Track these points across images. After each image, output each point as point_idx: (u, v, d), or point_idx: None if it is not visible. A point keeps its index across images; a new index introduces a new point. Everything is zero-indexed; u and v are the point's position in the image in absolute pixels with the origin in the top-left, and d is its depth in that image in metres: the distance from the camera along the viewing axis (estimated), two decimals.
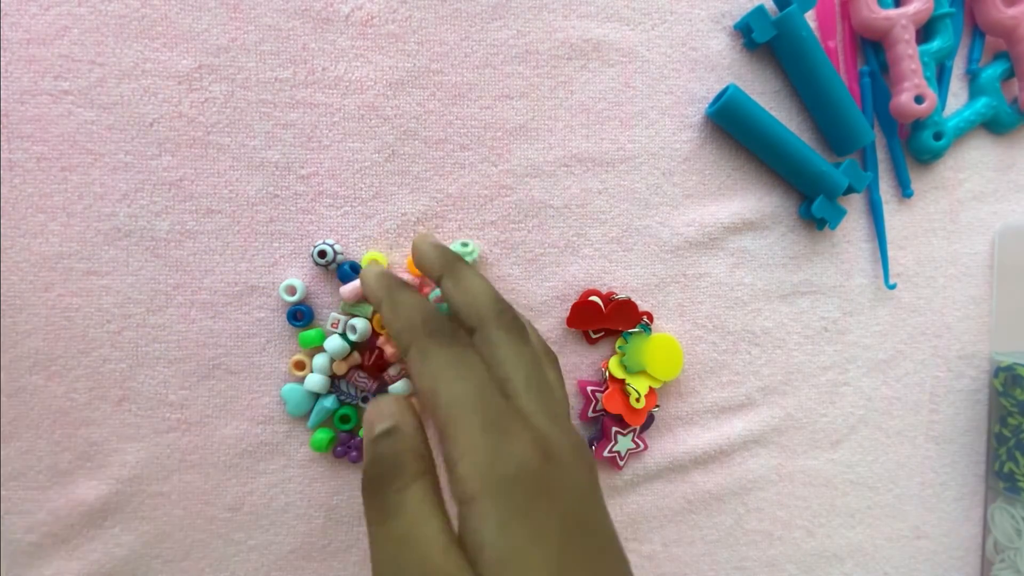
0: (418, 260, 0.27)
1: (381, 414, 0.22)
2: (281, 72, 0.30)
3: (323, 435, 0.30)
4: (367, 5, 0.30)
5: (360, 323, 0.29)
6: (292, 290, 0.29)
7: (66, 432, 0.29)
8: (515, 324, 0.24)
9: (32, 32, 0.28)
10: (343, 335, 0.29)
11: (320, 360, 0.29)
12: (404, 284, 0.26)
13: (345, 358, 0.30)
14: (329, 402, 0.30)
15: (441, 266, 0.26)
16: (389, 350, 0.30)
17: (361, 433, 0.30)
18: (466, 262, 0.27)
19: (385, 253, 0.31)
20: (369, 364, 0.30)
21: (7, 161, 0.28)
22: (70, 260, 0.29)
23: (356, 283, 0.29)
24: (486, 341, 0.23)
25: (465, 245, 0.30)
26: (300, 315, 0.30)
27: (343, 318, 0.30)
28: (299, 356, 0.30)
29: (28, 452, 0.29)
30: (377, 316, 0.30)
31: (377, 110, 0.30)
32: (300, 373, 0.30)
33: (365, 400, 0.30)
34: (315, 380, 0.29)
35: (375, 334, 0.30)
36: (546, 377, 0.24)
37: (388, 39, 0.30)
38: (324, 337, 0.30)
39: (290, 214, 0.30)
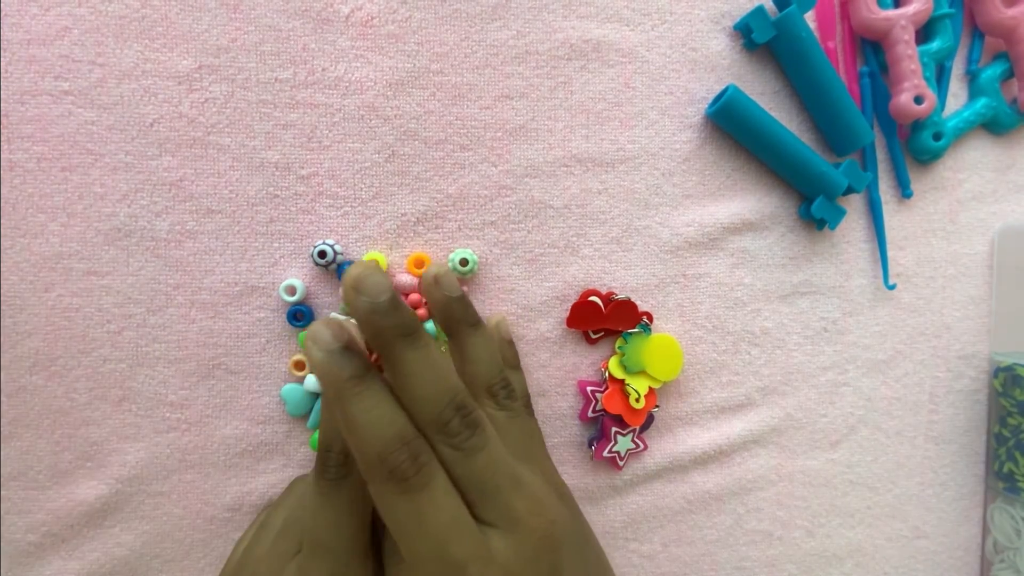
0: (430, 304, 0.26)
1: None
2: (281, 72, 0.30)
3: None
4: (367, 5, 0.30)
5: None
6: (292, 290, 0.29)
7: (66, 432, 0.29)
8: (462, 433, 0.21)
9: (32, 32, 0.28)
10: None
11: None
12: (362, 377, 0.20)
13: None
14: None
15: (445, 326, 0.26)
16: None
17: None
18: (469, 325, 0.25)
19: (385, 253, 0.31)
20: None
21: (7, 161, 0.28)
22: (70, 260, 0.29)
23: None
24: (438, 454, 0.22)
25: (465, 264, 0.30)
26: (300, 315, 0.30)
27: (343, 318, 0.30)
28: (299, 356, 0.30)
29: (28, 452, 0.29)
30: None
31: (377, 110, 0.30)
32: (300, 373, 0.30)
33: None
34: (315, 380, 0.29)
35: None
36: (506, 465, 0.22)
37: (388, 39, 0.30)
38: None
39: (290, 214, 0.30)
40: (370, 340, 0.21)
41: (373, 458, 0.20)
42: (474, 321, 0.26)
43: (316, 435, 0.30)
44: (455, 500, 0.21)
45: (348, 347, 0.20)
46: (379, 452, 0.20)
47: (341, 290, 0.24)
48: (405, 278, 0.30)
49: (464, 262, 0.30)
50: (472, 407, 0.22)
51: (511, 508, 0.22)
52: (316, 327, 0.21)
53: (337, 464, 0.23)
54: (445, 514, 0.20)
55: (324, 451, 0.23)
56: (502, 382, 0.26)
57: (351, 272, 0.20)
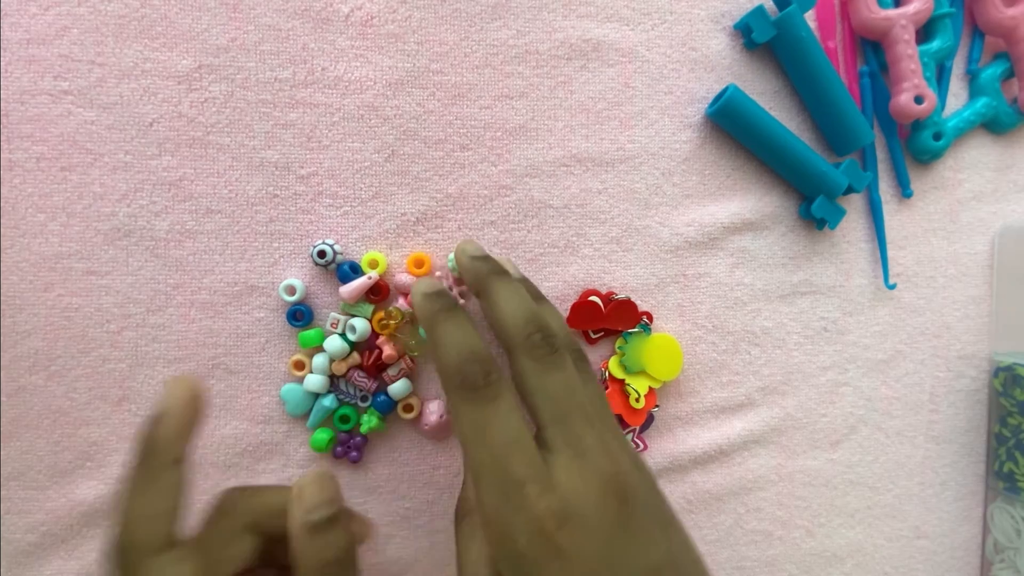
0: (461, 273, 0.27)
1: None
2: (281, 72, 0.30)
3: (323, 435, 0.30)
4: (367, 5, 0.30)
5: (360, 323, 0.29)
6: (292, 290, 0.29)
7: (66, 432, 0.29)
8: (543, 348, 0.23)
9: (32, 32, 0.28)
10: (342, 335, 0.29)
11: (319, 360, 0.29)
12: (450, 309, 0.23)
13: (344, 358, 0.30)
14: (328, 401, 0.30)
15: (474, 283, 0.26)
16: (388, 351, 0.30)
17: (364, 429, 0.30)
18: (502, 274, 0.25)
19: (385, 253, 0.31)
20: (369, 364, 0.30)
21: (7, 161, 0.28)
22: (70, 260, 0.29)
23: (355, 283, 0.29)
24: (515, 371, 0.23)
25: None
26: (300, 315, 0.30)
27: (343, 318, 0.30)
28: (299, 356, 0.30)
29: (28, 452, 0.29)
30: (377, 316, 0.30)
31: (377, 110, 0.30)
32: (299, 373, 0.30)
33: (364, 399, 0.30)
34: (314, 380, 0.29)
35: (375, 334, 0.30)
36: (580, 400, 0.22)
37: (388, 39, 0.30)
38: (324, 337, 0.30)
39: (290, 214, 0.30)
40: (471, 282, 0.26)
41: (451, 369, 0.22)
42: (498, 271, 0.26)
43: (316, 434, 0.30)
44: (520, 420, 0.21)
45: (440, 292, 0.24)
46: (456, 363, 0.22)
47: (453, 255, 0.28)
48: (405, 277, 0.30)
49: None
50: (554, 334, 0.23)
51: (580, 438, 0.21)
52: (419, 280, 0.25)
53: (485, 373, 0.22)
54: (509, 429, 0.21)
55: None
56: (539, 330, 0.23)
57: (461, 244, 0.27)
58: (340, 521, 0.22)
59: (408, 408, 0.31)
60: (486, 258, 0.26)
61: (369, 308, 0.30)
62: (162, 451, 0.21)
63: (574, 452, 0.21)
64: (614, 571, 0.19)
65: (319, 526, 0.21)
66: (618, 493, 0.21)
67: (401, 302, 0.30)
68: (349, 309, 0.30)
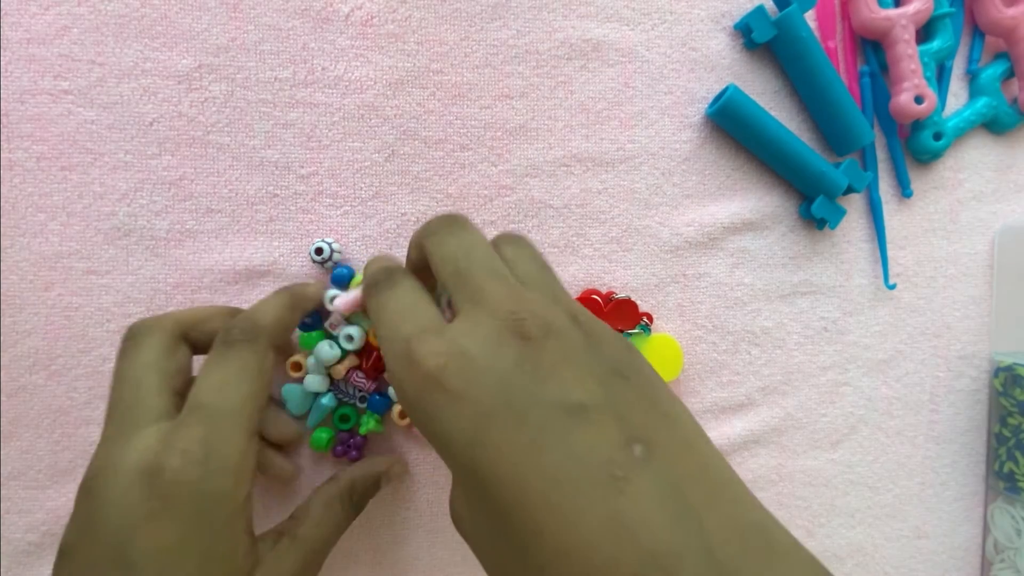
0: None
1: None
2: (281, 72, 0.30)
3: (322, 434, 0.30)
4: (367, 5, 0.30)
5: (356, 332, 0.29)
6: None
7: (66, 432, 0.29)
8: (445, 224, 0.23)
9: (32, 32, 0.28)
10: (338, 342, 0.29)
11: (312, 362, 0.29)
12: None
13: (341, 360, 0.29)
14: (327, 400, 0.30)
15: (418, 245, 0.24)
16: None
17: (362, 430, 0.30)
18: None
19: (385, 254, 0.31)
20: (368, 367, 0.30)
21: (7, 161, 0.28)
22: (70, 259, 0.29)
23: (349, 296, 0.29)
24: (428, 260, 0.23)
25: None
26: (309, 321, 0.30)
27: (340, 324, 0.30)
28: (297, 357, 0.30)
29: (28, 452, 0.29)
30: (372, 329, 0.30)
31: (377, 110, 0.30)
32: (297, 374, 0.30)
33: (363, 400, 0.30)
34: (314, 380, 0.29)
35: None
36: (481, 256, 0.21)
37: (388, 39, 0.30)
38: (324, 337, 0.30)
39: (290, 213, 0.30)
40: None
41: (364, 285, 0.23)
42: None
43: (316, 434, 0.30)
44: (416, 294, 0.21)
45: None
46: (367, 278, 0.23)
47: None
48: None
49: None
50: (461, 219, 0.23)
51: (479, 289, 0.20)
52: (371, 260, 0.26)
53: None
54: (404, 301, 0.21)
55: (231, 320, 0.24)
56: (439, 218, 0.24)
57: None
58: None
59: (404, 414, 0.30)
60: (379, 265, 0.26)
61: (366, 319, 0.30)
62: (261, 334, 0.24)
63: (472, 303, 0.20)
64: (515, 409, 0.17)
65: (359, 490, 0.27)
66: (519, 332, 0.18)
67: None
68: (348, 316, 0.30)
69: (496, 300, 0.19)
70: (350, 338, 0.29)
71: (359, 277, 0.30)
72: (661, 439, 0.17)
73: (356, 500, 0.28)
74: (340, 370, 0.29)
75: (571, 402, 0.17)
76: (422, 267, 0.24)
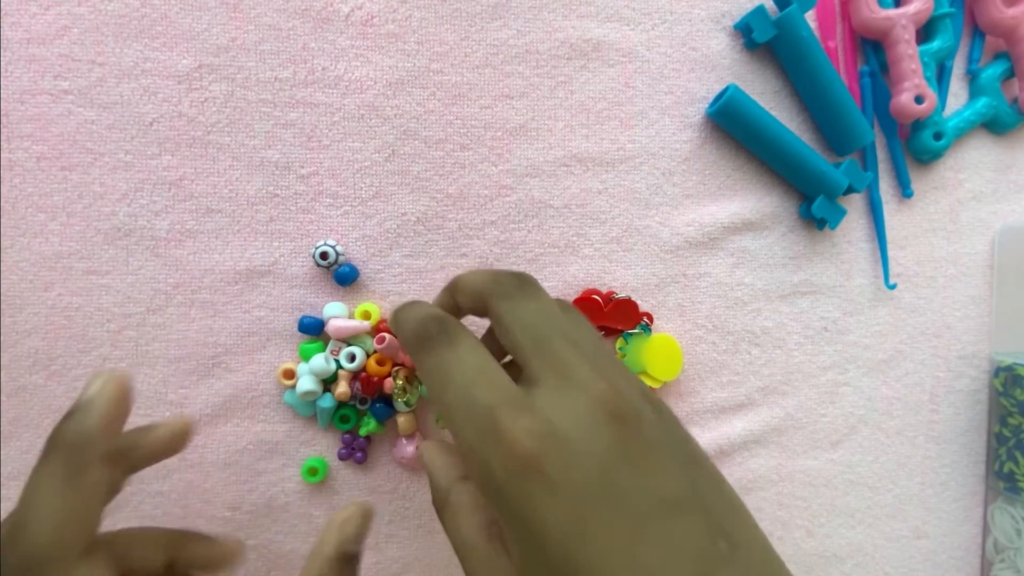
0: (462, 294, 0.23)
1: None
2: (281, 72, 0.30)
3: (315, 463, 0.30)
4: (367, 5, 0.30)
5: (359, 353, 0.29)
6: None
7: None
8: (512, 282, 0.21)
9: (32, 32, 0.28)
10: (337, 361, 0.29)
11: (303, 368, 0.29)
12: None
13: (335, 380, 0.30)
14: (324, 401, 0.30)
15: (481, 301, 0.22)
16: (389, 384, 0.30)
17: (363, 432, 0.30)
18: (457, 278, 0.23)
19: (385, 254, 0.31)
20: (368, 388, 0.30)
21: (7, 161, 0.28)
22: (70, 260, 0.29)
23: (340, 323, 0.29)
24: (493, 322, 0.21)
25: None
26: (311, 326, 0.30)
27: (343, 346, 0.30)
28: (288, 365, 0.30)
29: (28, 452, 0.29)
30: (375, 356, 0.30)
31: (377, 110, 0.30)
32: (288, 383, 0.30)
33: (363, 403, 0.30)
34: (306, 382, 0.29)
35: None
36: (561, 326, 0.20)
37: (388, 39, 0.30)
38: (323, 349, 0.30)
39: (290, 213, 0.30)
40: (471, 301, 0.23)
41: (409, 334, 0.21)
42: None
43: (308, 463, 0.30)
44: (485, 355, 0.19)
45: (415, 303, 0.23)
46: (412, 327, 0.21)
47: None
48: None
49: None
50: (524, 275, 0.22)
51: (563, 361, 0.19)
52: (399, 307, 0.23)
53: (440, 322, 0.21)
54: (472, 362, 0.19)
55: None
56: (508, 273, 0.22)
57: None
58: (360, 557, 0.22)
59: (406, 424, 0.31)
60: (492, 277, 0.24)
61: (369, 341, 0.30)
62: (87, 445, 0.19)
63: (558, 375, 0.18)
64: (615, 499, 0.16)
65: (353, 558, 0.22)
66: (614, 414, 0.17)
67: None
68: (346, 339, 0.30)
69: (585, 376, 0.18)
70: (352, 357, 0.29)
71: (363, 307, 0.30)
72: (738, 534, 0.17)
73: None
74: (344, 392, 0.29)
75: (667, 495, 0.17)
76: (454, 313, 0.23)
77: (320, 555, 0.21)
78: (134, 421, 0.30)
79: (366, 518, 0.22)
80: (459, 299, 0.23)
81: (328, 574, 0.21)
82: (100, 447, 0.19)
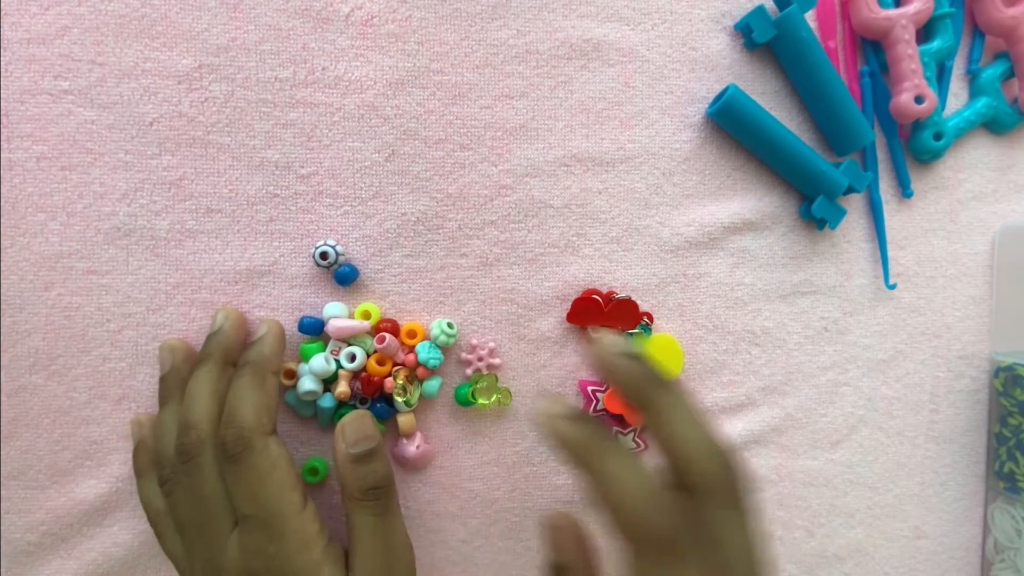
0: (611, 378, 0.23)
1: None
2: (281, 72, 0.30)
3: (314, 463, 0.30)
4: (367, 5, 0.30)
5: (359, 353, 0.29)
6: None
7: (66, 431, 0.29)
8: (732, 490, 0.22)
9: (32, 32, 0.28)
10: (337, 361, 0.29)
11: (304, 368, 0.29)
12: (608, 437, 0.23)
13: (336, 381, 0.29)
14: (324, 401, 0.30)
15: (633, 393, 0.23)
16: (389, 383, 0.30)
17: None
18: (666, 385, 0.23)
19: (385, 254, 0.31)
20: (368, 388, 0.30)
21: (7, 161, 0.28)
22: (70, 260, 0.29)
23: (340, 323, 0.29)
24: (703, 516, 0.21)
25: (450, 327, 0.30)
26: (311, 326, 0.30)
27: (343, 346, 0.29)
28: (289, 365, 0.29)
29: (28, 451, 0.29)
30: (375, 356, 0.29)
31: (377, 110, 0.30)
32: (289, 382, 0.29)
33: (363, 402, 0.30)
34: (306, 382, 0.29)
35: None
36: (762, 556, 0.22)
37: (388, 39, 0.30)
38: (323, 349, 0.30)
39: (290, 213, 0.30)
40: (627, 390, 0.23)
41: (630, 518, 0.21)
42: (661, 381, 0.23)
43: (306, 466, 0.30)
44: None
45: (580, 415, 0.23)
46: (638, 512, 0.21)
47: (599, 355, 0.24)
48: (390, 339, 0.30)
49: (449, 325, 0.30)
50: (736, 470, 0.22)
51: (740, 495, 0.22)
52: (546, 402, 0.24)
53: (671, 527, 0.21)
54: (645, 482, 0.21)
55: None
56: (725, 467, 0.22)
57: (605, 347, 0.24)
58: (379, 453, 0.26)
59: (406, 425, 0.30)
60: (641, 359, 0.23)
61: (369, 341, 0.30)
62: (266, 362, 0.27)
63: (734, 499, 0.22)
64: None
65: (361, 457, 0.26)
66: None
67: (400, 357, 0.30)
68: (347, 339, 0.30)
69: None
70: (352, 357, 0.29)
71: (363, 307, 0.30)
72: None
73: None
74: (344, 384, 0.29)
75: None
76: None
77: (336, 462, 0.27)
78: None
79: (362, 419, 0.27)
80: (662, 439, 0.22)
81: (347, 474, 0.26)
82: (273, 364, 0.27)
